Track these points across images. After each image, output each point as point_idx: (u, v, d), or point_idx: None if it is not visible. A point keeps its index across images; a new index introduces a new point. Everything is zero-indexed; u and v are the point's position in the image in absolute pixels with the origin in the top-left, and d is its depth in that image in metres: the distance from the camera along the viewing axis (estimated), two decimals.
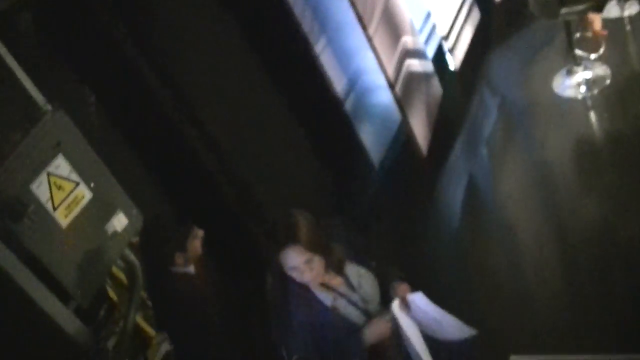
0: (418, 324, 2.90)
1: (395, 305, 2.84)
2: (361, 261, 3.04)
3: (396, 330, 2.83)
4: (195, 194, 4.51)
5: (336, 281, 2.93)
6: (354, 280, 2.96)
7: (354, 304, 2.92)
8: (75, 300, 3.06)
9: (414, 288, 2.99)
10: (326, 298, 2.88)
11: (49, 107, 3.15)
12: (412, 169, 5.65)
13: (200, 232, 3.26)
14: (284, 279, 2.83)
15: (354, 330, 2.85)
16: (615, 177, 4.86)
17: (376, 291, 3.01)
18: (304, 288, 2.86)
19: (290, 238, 2.74)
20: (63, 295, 3.01)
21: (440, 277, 4.77)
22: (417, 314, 2.88)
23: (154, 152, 4.37)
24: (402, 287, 2.97)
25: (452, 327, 2.91)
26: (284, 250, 2.75)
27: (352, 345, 2.80)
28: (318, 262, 2.81)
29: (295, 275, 2.79)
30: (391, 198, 5.62)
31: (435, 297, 2.97)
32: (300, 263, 2.76)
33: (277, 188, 5.06)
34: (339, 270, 2.94)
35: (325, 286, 2.90)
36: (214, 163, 4.57)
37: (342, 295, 2.92)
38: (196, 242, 3.21)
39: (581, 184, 5.07)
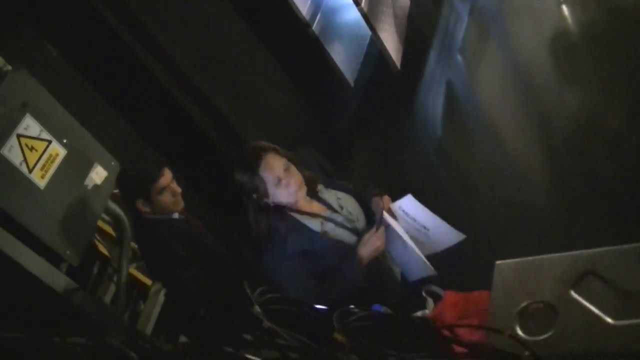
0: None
1: (386, 215, 2.81)
2: (336, 185, 3.02)
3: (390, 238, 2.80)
4: (172, 133, 4.46)
5: (317, 207, 2.90)
6: (334, 203, 2.93)
7: (342, 225, 2.88)
8: (65, 260, 3.03)
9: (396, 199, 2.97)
10: (314, 225, 2.85)
11: (9, 67, 3.06)
12: (388, 84, 5.60)
13: (167, 172, 3.20)
14: (267, 213, 2.79)
15: (348, 250, 2.83)
16: (592, 68, 4.80)
17: (359, 209, 2.99)
18: (291, 219, 2.83)
19: (260, 156, 2.72)
20: (54, 256, 2.98)
21: (425, 188, 4.74)
22: (404, 222, 2.85)
23: (126, 97, 4.29)
24: (385, 199, 2.92)
25: (441, 232, 2.87)
26: (261, 161, 2.72)
27: (349, 267, 2.77)
28: (295, 170, 2.78)
29: (281, 189, 2.75)
30: (371, 114, 5.58)
31: None
32: (281, 170, 2.74)
33: (255, 117, 5.01)
34: (316, 196, 2.92)
35: (309, 214, 2.87)
36: (186, 98, 4.50)
37: (327, 219, 2.88)
38: (164, 181, 3.15)
39: (560, 79, 5.02)
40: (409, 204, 2.83)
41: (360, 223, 2.94)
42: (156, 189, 3.10)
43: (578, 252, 1.43)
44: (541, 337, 1.38)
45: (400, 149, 5.24)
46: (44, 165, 2.98)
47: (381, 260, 2.90)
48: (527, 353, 1.25)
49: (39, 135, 2.98)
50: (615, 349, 1.28)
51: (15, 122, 2.89)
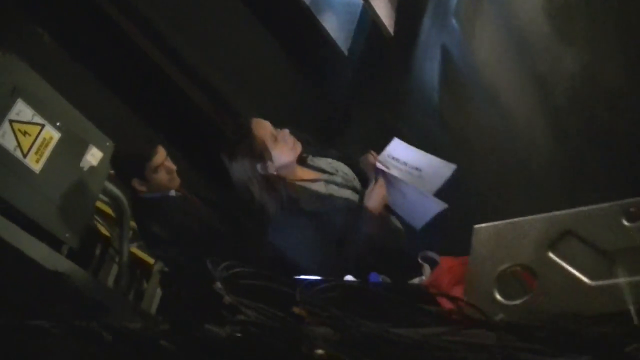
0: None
1: (379, 164, 2.82)
2: (323, 154, 3.05)
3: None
4: (165, 111, 4.46)
5: (314, 174, 2.93)
6: (327, 167, 2.97)
7: (343, 185, 2.92)
8: (65, 242, 3.05)
9: None
10: (319, 188, 2.88)
11: None
12: (383, 51, 5.57)
13: (161, 150, 3.22)
14: (274, 185, 2.81)
15: (356, 208, 2.85)
16: (589, 27, 4.76)
17: (351, 171, 3.02)
18: (296, 186, 2.84)
19: (248, 131, 2.75)
20: (54, 240, 3.00)
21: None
22: (396, 170, 2.85)
23: (118, 76, 4.29)
24: (372, 153, 2.94)
25: (433, 169, 2.85)
26: (251, 128, 2.75)
27: (363, 222, 2.78)
28: (283, 131, 2.82)
29: (280, 145, 2.76)
30: (366, 82, 5.56)
31: None
32: (270, 127, 2.77)
33: (250, 90, 5.00)
34: (307, 165, 2.95)
35: (309, 181, 2.90)
36: (179, 74, 4.50)
37: (328, 181, 2.91)
38: (159, 159, 3.17)
39: (557, 39, 4.97)
40: (396, 148, 2.82)
41: (357, 182, 2.97)
42: (151, 168, 3.13)
43: (556, 212, 1.43)
44: (519, 301, 1.39)
45: (398, 115, 5.22)
46: (38, 150, 2.98)
47: (385, 215, 2.92)
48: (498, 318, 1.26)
49: (32, 119, 2.98)
50: (593, 309, 1.29)
51: (7, 108, 2.89)
